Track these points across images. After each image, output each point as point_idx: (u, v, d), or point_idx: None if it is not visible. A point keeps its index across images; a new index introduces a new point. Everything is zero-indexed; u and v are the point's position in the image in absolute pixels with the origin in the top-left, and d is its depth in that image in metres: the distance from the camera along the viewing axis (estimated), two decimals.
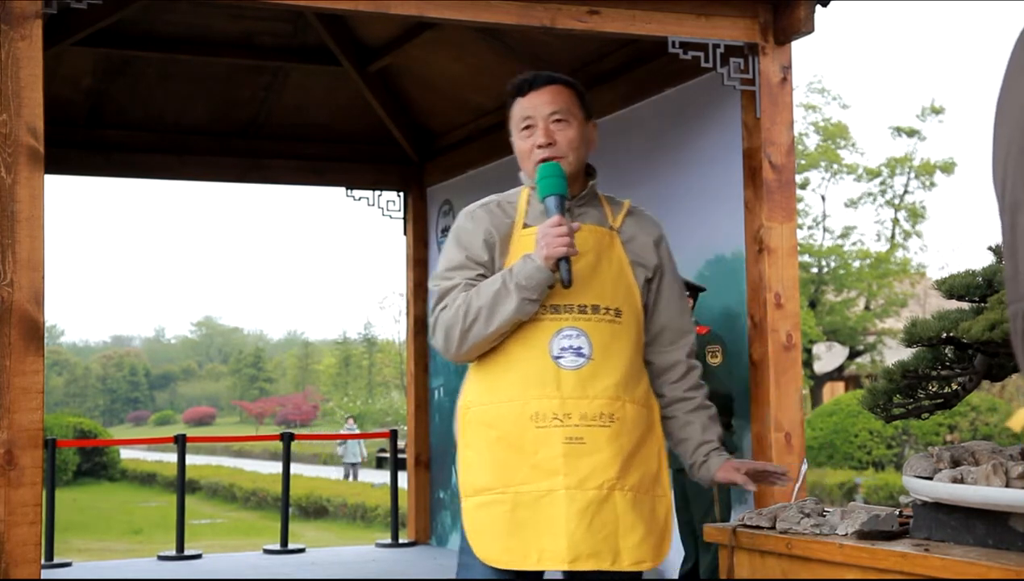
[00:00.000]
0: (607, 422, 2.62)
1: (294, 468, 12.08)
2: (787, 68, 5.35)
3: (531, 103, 2.74)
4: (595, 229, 2.75)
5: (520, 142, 2.77)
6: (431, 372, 8.88)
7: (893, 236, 24.19)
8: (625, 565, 2.60)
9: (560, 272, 2.59)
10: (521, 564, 2.57)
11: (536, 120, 2.73)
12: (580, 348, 2.64)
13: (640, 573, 2.68)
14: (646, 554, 2.64)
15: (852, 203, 24.41)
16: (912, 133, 23.94)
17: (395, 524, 9.13)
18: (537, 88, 2.75)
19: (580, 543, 2.55)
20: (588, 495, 2.57)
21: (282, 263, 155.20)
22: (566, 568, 2.56)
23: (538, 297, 2.60)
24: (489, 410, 2.66)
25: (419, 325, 8.87)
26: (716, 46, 5.21)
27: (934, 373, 3.28)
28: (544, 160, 2.70)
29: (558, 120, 2.73)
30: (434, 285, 2.75)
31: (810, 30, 5.22)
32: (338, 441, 28.02)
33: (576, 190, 2.78)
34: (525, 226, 2.74)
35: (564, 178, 2.68)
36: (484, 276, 2.70)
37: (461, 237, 2.76)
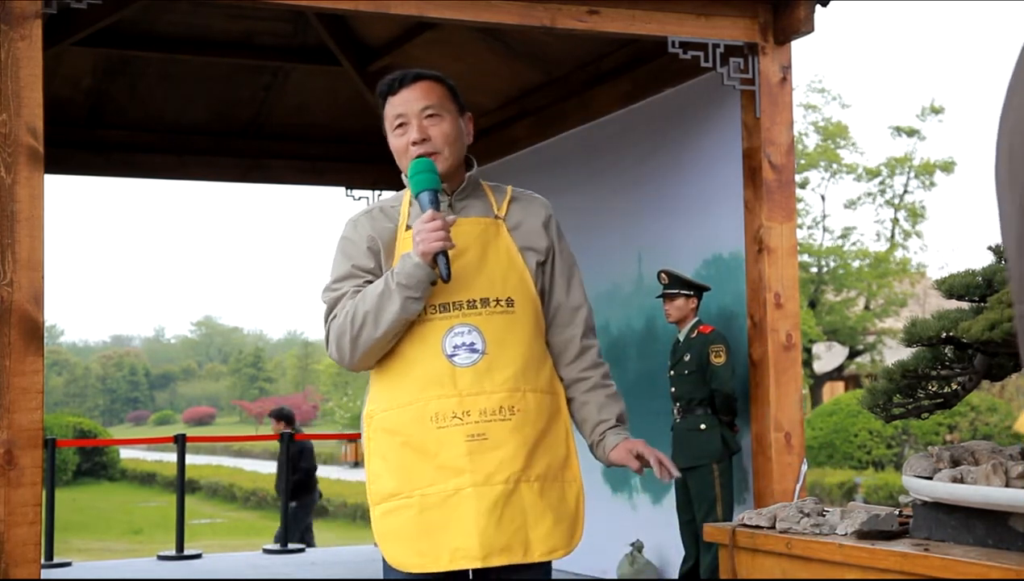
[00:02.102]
0: (508, 415, 2.61)
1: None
2: (787, 68, 5.35)
3: (402, 100, 2.72)
4: (478, 221, 2.72)
5: (395, 140, 2.74)
6: None
7: (893, 236, 24.18)
8: (536, 556, 2.59)
9: (439, 267, 2.57)
10: (434, 566, 2.56)
11: (409, 117, 2.70)
12: (473, 344, 2.62)
13: (549, 563, 2.67)
14: (558, 542, 2.62)
15: (852, 203, 24.40)
16: (912, 133, 23.92)
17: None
18: (407, 85, 2.73)
19: (491, 539, 2.55)
20: (495, 490, 2.57)
21: (282, 263, 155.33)
22: (479, 565, 2.55)
23: (421, 295, 2.58)
24: (391, 416, 2.64)
25: None
26: (716, 46, 5.21)
27: (934, 373, 3.28)
28: (420, 156, 2.68)
29: (431, 115, 2.70)
30: (324, 297, 2.72)
31: (810, 30, 5.23)
32: None
33: (456, 184, 2.76)
34: (408, 228, 2.71)
35: (435, 173, 2.66)
36: (371, 283, 2.67)
37: (345, 247, 2.74)
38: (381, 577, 2.72)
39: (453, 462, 2.57)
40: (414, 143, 2.68)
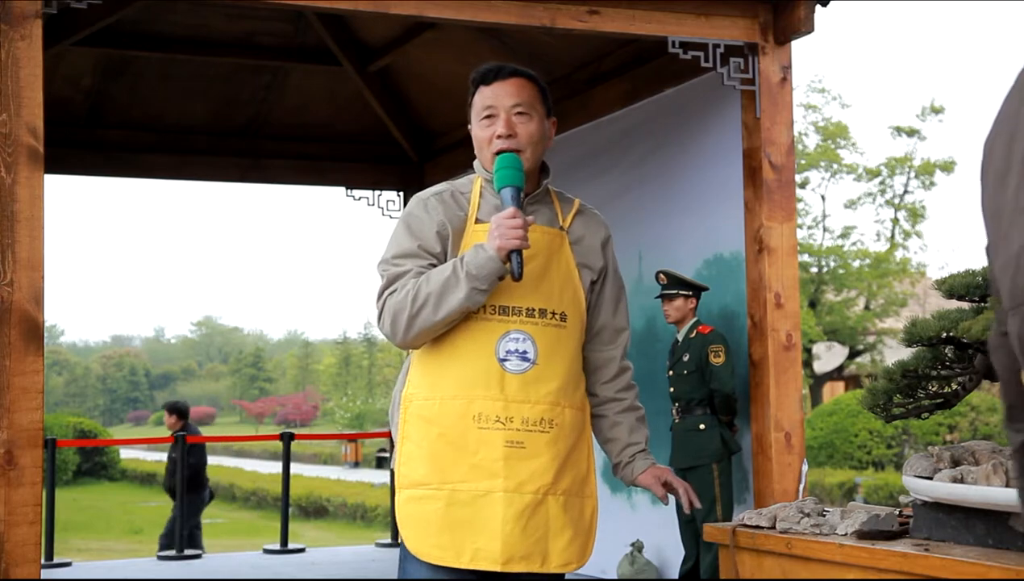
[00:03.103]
0: (547, 428, 2.65)
1: (294, 468, 12.07)
2: (787, 68, 5.35)
3: (495, 93, 2.72)
4: (546, 230, 2.74)
5: (480, 131, 2.74)
6: None
7: (893, 236, 24.18)
8: (553, 567, 2.64)
9: (511, 264, 2.58)
10: (454, 561, 2.59)
11: (498, 110, 2.71)
12: (525, 352, 2.65)
13: (563, 575, 2.72)
14: (573, 556, 2.68)
15: (852, 203, 24.41)
16: (912, 133, 23.92)
17: (395, 524, 9.11)
18: (502, 79, 2.74)
19: (514, 545, 2.58)
20: (525, 499, 2.60)
21: (282, 263, 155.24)
22: (499, 569, 2.58)
23: (488, 287, 2.59)
24: (431, 406, 2.65)
25: None
26: (716, 46, 5.21)
27: (934, 373, 3.28)
28: (501, 151, 2.69)
29: (520, 113, 2.72)
30: (383, 269, 2.72)
31: (810, 30, 5.22)
32: None
33: (531, 187, 2.76)
34: (478, 221, 2.72)
35: (522, 170, 2.67)
36: (434, 266, 2.68)
37: (413, 225, 2.73)
38: (391, 574, 2.74)
39: (489, 464, 2.60)
40: (499, 136, 2.70)
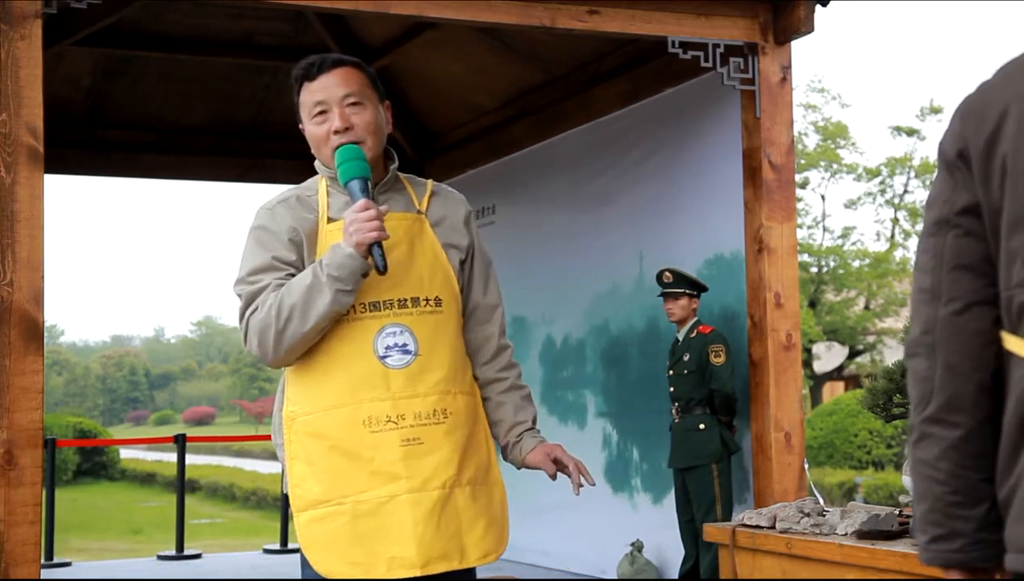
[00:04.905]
0: (441, 419, 2.53)
1: None
2: (787, 68, 5.35)
3: (322, 86, 2.59)
4: (404, 217, 2.62)
5: (314, 128, 2.60)
6: None
7: (893, 236, 24.19)
8: (472, 561, 2.53)
9: (373, 258, 2.47)
10: (369, 575, 2.46)
11: (330, 104, 2.58)
12: (406, 345, 2.54)
13: (474, 568, 2.61)
14: (490, 546, 2.56)
15: (852, 203, 24.43)
16: (912, 133, 23.94)
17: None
18: (327, 71, 2.60)
19: (430, 546, 2.47)
20: (432, 496, 2.49)
21: None
22: (418, 573, 2.46)
23: (353, 287, 2.47)
24: (317, 419, 2.53)
25: None
26: (716, 46, 5.21)
27: None
28: (342, 145, 2.57)
29: (353, 103, 2.58)
30: (239, 290, 2.59)
31: (810, 30, 5.23)
32: None
33: (378, 176, 2.64)
34: (330, 220, 2.61)
35: (365, 160, 2.56)
36: (293, 277, 2.56)
37: (263, 237, 2.60)
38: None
39: (388, 468, 2.49)
40: (336, 132, 2.58)
